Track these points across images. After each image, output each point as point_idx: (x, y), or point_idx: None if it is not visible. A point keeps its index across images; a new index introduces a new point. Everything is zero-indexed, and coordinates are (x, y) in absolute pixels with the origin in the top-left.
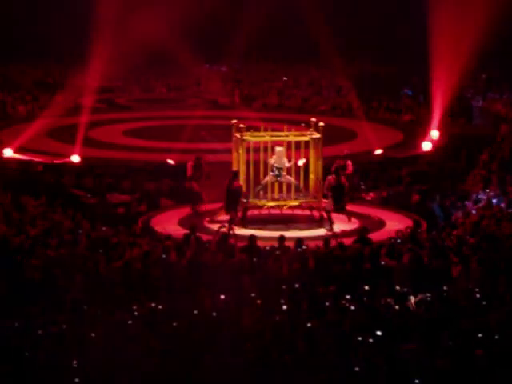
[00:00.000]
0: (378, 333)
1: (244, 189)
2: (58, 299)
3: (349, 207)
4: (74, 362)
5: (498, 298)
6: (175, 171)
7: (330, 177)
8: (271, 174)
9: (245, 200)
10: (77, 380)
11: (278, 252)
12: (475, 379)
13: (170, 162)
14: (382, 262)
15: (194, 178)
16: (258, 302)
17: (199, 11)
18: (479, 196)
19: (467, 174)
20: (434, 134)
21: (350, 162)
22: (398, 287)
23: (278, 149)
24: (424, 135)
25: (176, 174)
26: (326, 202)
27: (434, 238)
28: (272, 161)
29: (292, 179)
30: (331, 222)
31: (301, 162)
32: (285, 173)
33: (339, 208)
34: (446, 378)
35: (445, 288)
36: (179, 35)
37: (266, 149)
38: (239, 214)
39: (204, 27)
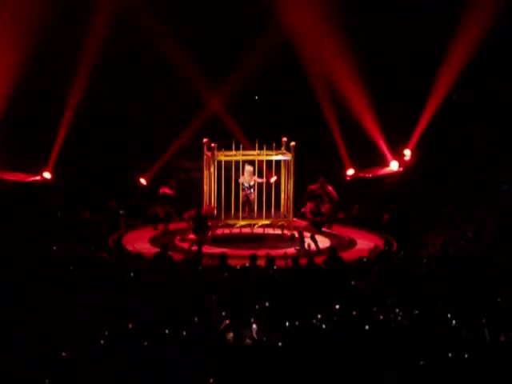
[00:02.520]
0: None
1: (215, 208)
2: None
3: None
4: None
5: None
6: (147, 191)
7: (310, 203)
8: (242, 193)
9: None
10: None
11: (249, 270)
12: None
13: (143, 181)
14: (352, 282)
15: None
16: (227, 321)
17: None
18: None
19: (438, 195)
20: (407, 152)
21: (331, 188)
22: (368, 307)
23: (248, 168)
24: (396, 154)
25: (147, 194)
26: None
27: (403, 259)
28: (242, 180)
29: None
30: (303, 242)
31: (273, 180)
32: (252, 190)
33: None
34: None
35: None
36: None
37: (237, 168)
38: (209, 234)
39: None
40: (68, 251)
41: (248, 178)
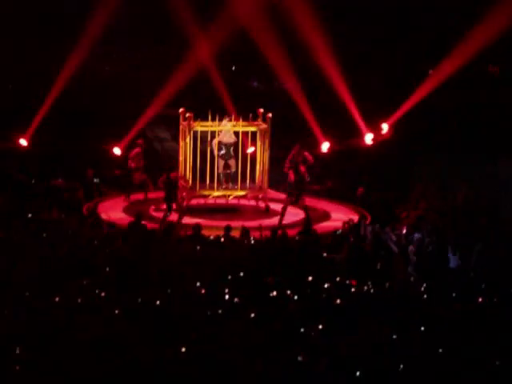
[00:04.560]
0: (320, 326)
1: (190, 179)
2: None
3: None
4: (17, 349)
5: (438, 292)
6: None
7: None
8: (219, 153)
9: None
10: (18, 368)
11: (223, 241)
12: (417, 372)
13: (117, 151)
14: (325, 254)
15: (138, 166)
16: (203, 291)
17: None
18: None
19: (414, 167)
20: (384, 126)
21: (307, 153)
22: (339, 279)
23: (225, 123)
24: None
25: (121, 163)
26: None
27: (377, 231)
28: (220, 138)
29: (234, 164)
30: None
31: (250, 150)
32: (233, 153)
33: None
34: (389, 370)
35: (387, 281)
36: None
37: (213, 138)
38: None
39: None
40: (42, 218)
41: (226, 135)
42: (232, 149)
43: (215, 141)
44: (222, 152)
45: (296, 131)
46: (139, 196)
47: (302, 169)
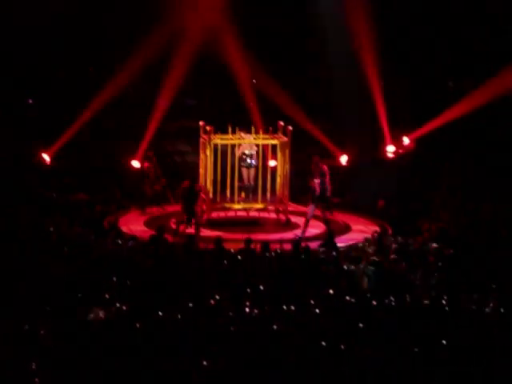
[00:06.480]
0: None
1: (211, 191)
2: (18, 298)
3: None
4: (33, 364)
5: (458, 305)
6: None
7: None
8: (242, 164)
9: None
10: (36, 380)
11: (243, 254)
12: None
13: (135, 164)
14: (345, 266)
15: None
16: (224, 304)
17: None
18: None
19: (435, 180)
20: (405, 139)
21: (325, 166)
22: (359, 291)
23: (248, 135)
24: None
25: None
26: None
27: (400, 244)
28: (243, 149)
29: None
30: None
31: (272, 164)
32: (255, 163)
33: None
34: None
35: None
36: None
37: (233, 151)
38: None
39: None
40: (64, 233)
41: (247, 145)
42: (253, 158)
43: (240, 151)
44: (246, 163)
45: (313, 144)
46: (157, 209)
47: (317, 181)
